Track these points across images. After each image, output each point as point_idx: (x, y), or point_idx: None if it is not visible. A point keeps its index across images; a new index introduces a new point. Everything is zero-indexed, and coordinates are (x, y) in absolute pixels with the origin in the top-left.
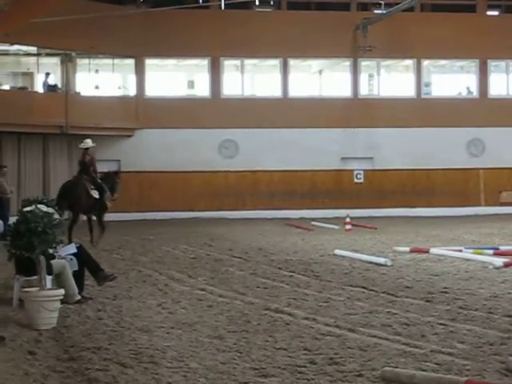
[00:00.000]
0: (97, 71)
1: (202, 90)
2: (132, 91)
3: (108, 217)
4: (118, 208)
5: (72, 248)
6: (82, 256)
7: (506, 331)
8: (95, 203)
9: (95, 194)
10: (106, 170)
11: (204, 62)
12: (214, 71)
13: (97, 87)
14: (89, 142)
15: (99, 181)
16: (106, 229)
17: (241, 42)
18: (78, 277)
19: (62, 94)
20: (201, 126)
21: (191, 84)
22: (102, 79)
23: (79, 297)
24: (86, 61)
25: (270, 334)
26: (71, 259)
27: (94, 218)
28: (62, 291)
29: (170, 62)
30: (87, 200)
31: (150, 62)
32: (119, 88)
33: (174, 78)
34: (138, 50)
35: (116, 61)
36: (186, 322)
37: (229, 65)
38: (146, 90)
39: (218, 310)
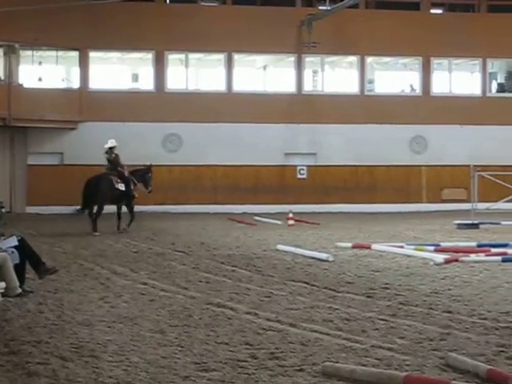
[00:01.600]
0: (40, 63)
1: (146, 83)
2: (76, 84)
3: (52, 210)
4: (60, 201)
5: (13, 241)
6: (23, 249)
7: (446, 327)
8: (122, 194)
9: (121, 187)
10: (142, 165)
11: (148, 56)
12: (159, 65)
13: (40, 79)
14: (113, 142)
15: (127, 174)
16: (135, 217)
17: (185, 36)
18: (19, 270)
19: (4, 86)
20: (145, 119)
21: (135, 77)
22: (45, 71)
23: (20, 290)
24: (29, 53)
25: (211, 329)
26: (12, 252)
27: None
28: (2, 284)
29: (114, 54)
30: (112, 192)
31: (94, 55)
32: (63, 80)
33: (118, 71)
34: (82, 42)
35: (60, 53)
36: (127, 316)
37: (173, 58)
38: (90, 83)
39: (159, 304)
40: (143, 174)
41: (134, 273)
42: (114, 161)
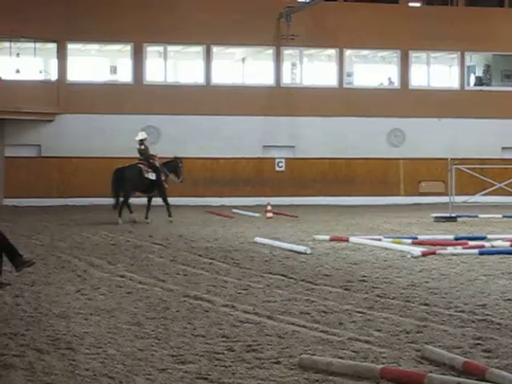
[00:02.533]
0: (18, 55)
1: (125, 75)
2: (54, 76)
3: (28, 202)
4: (38, 194)
5: None
6: None
7: (422, 319)
8: (152, 184)
9: (152, 176)
10: (172, 156)
11: (127, 48)
12: (137, 57)
13: (18, 71)
14: (143, 135)
15: (157, 165)
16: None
17: (164, 29)
18: None
19: None
20: (123, 111)
21: (114, 69)
22: (23, 63)
23: None
24: (6, 44)
25: (188, 321)
26: None
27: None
28: None
29: (93, 47)
30: (141, 180)
31: (72, 47)
32: (40, 72)
33: (96, 63)
34: (60, 34)
35: (38, 45)
36: (104, 308)
37: (152, 51)
38: (68, 75)
39: (137, 296)
40: (174, 165)
41: (111, 265)
42: (143, 152)
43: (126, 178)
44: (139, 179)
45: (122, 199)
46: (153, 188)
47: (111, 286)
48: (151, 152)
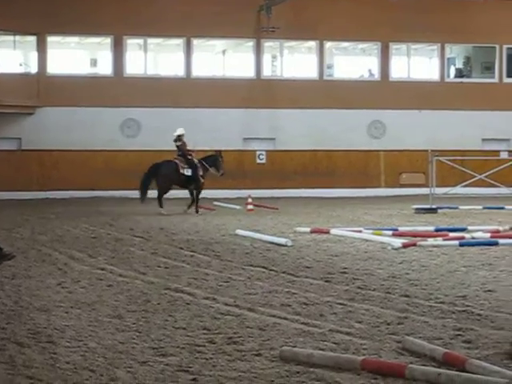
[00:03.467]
0: None
1: (105, 68)
2: (34, 69)
3: (8, 195)
4: (18, 187)
5: None
6: None
7: (403, 311)
8: (189, 179)
9: (187, 172)
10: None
11: (107, 41)
12: (117, 49)
13: None
14: (181, 130)
15: (195, 161)
16: (198, 201)
17: (144, 21)
18: None
19: None
20: (103, 104)
21: (94, 62)
22: (2, 56)
23: None
24: None
25: (169, 314)
26: None
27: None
28: None
29: (73, 39)
30: (176, 175)
31: (52, 40)
32: (20, 65)
33: (76, 55)
34: (40, 27)
35: (17, 37)
36: (85, 301)
37: (132, 43)
38: (48, 68)
39: (117, 289)
40: (214, 159)
41: (92, 258)
42: (180, 148)
43: (161, 174)
44: (175, 175)
45: (159, 193)
46: (190, 183)
47: (92, 279)
48: (189, 147)
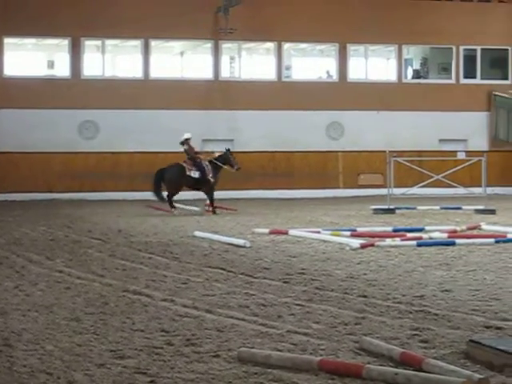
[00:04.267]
0: None
1: (63, 70)
2: None
3: None
4: None
5: None
6: None
7: (361, 311)
8: (197, 181)
9: (194, 174)
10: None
11: (64, 42)
12: (75, 51)
13: None
14: (188, 135)
15: (203, 163)
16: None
17: (102, 23)
18: None
19: None
20: (61, 106)
21: (51, 64)
22: None
23: None
24: None
25: (127, 316)
26: None
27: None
28: None
29: (30, 41)
30: (184, 178)
31: (8, 41)
32: None
33: (33, 57)
34: None
35: None
36: (42, 304)
37: (89, 45)
38: (5, 70)
39: (75, 292)
40: (225, 157)
41: (49, 261)
42: (187, 151)
43: (166, 180)
44: (181, 178)
45: (167, 195)
46: (200, 185)
47: (49, 281)
48: (196, 150)
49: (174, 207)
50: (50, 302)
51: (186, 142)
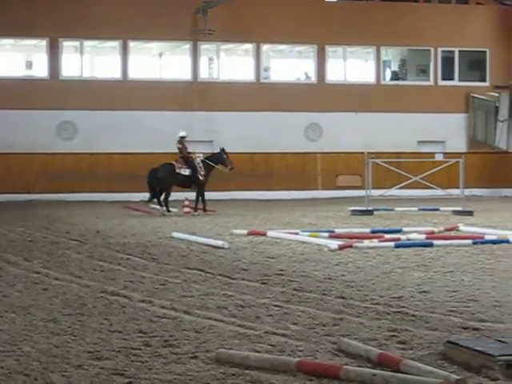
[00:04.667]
0: None
1: (41, 70)
2: None
3: None
4: None
5: None
6: None
7: (339, 312)
8: (187, 179)
9: (184, 172)
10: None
11: (43, 43)
12: (53, 52)
13: None
14: (182, 133)
15: (195, 163)
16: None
17: (80, 24)
18: None
19: None
20: (39, 107)
21: (29, 65)
22: None
23: None
24: None
25: (105, 317)
26: None
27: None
28: None
29: (8, 41)
30: (173, 177)
31: None
32: None
33: (11, 58)
34: None
35: None
36: (20, 305)
37: (68, 46)
38: None
39: (53, 293)
40: (218, 156)
41: (27, 262)
42: (180, 150)
43: (158, 178)
44: (172, 176)
45: (163, 199)
46: (190, 183)
47: (27, 282)
48: (190, 149)
49: (169, 210)
50: (28, 304)
51: (180, 140)
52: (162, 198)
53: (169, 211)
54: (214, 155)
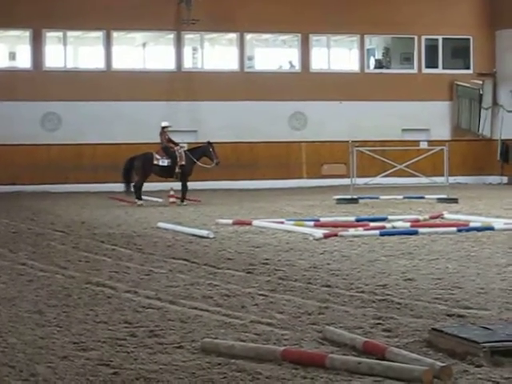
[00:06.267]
0: None
1: (24, 61)
2: None
3: None
4: None
5: None
6: None
7: (324, 301)
8: (164, 169)
9: (162, 162)
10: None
11: (26, 34)
12: (36, 43)
13: None
14: (165, 123)
15: (177, 153)
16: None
17: (64, 14)
18: None
19: None
20: (22, 98)
21: (13, 56)
22: None
23: None
24: None
25: (90, 308)
26: None
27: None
28: None
29: None
30: (150, 167)
31: None
32: None
33: None
34: None
35: None
36: (5, 297)
37: (51, 36)
38: None
39: (38, 284)
40: (203, 150)
41: (12, 253)
42: (161, 139)
43: (134, 167)
44: (148, 166)
45: (134, 184)
46: (168, 173)
47: (12, 274)
48: (175, 139)
49: (141, 199)
50: (13, 295)
51: (162, 130)
52: (133, 184)
53: (140, 199)
54: (199, 148)
